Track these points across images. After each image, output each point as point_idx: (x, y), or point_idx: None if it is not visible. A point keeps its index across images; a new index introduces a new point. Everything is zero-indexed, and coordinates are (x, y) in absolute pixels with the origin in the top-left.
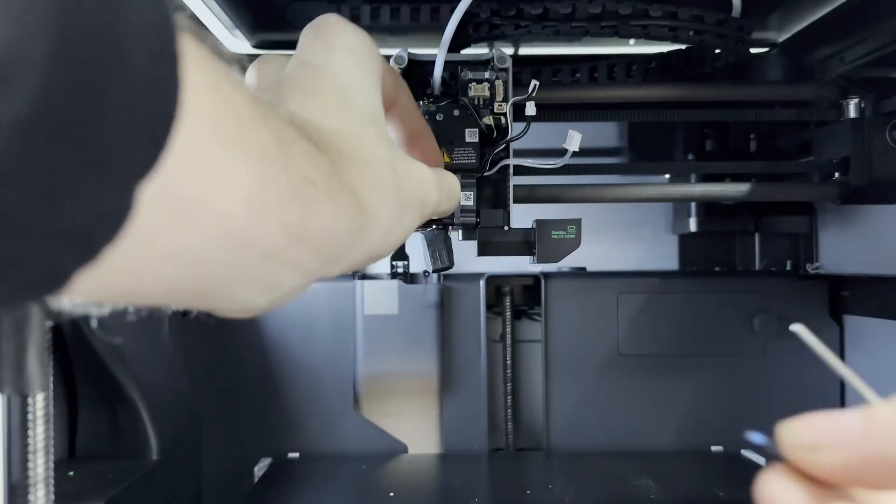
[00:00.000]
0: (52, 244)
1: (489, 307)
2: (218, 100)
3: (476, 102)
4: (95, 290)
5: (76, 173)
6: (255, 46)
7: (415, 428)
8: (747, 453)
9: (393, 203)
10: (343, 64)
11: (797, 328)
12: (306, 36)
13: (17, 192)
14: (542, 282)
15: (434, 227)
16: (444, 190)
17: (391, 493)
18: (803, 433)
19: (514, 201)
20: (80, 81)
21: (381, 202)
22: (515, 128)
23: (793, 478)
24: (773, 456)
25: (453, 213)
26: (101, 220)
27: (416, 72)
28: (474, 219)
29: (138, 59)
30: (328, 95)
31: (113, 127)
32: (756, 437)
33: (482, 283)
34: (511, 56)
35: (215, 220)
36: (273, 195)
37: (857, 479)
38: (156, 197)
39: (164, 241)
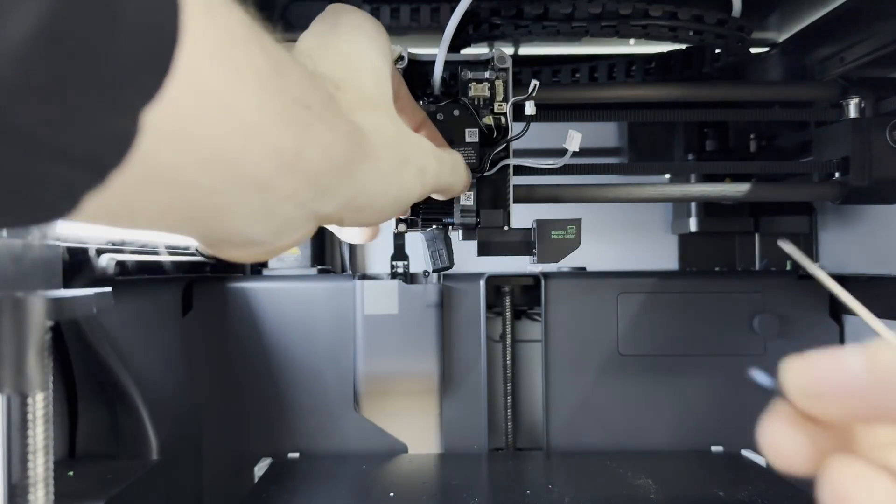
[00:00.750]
0: (64, 165)
1: (489, 307)
2: (212, 22)
3: (476, 102)
4: (98, 212)
5: (86, 94)
6: None
7: (415, 428)
8: (747, 453)
9: (392, 150)
10: (350, 34)
11: (785, 244)
12: (315, 19)
13: (29, 109)
14: (542, 282)
15: (434, 227)
16: (445, 162)
17: (391, 493)
18: (806, 381)
19: (514, 201)
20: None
21: (380, 143)
22: (515, 128)
23: (795, 419)
24: (776, 395)
25: (454, 213)
26: (110, 143)
27: (416, 72)
28: (474, 219)
29: None
30: (332, 55)
31: (121, 50)
32: (760, 376)
33: (482, 283)
34: (511, 56)
35: (208, 145)
36: (266, 119)
37: (858, 420)
38: (156, 120)
39: (160, 165)
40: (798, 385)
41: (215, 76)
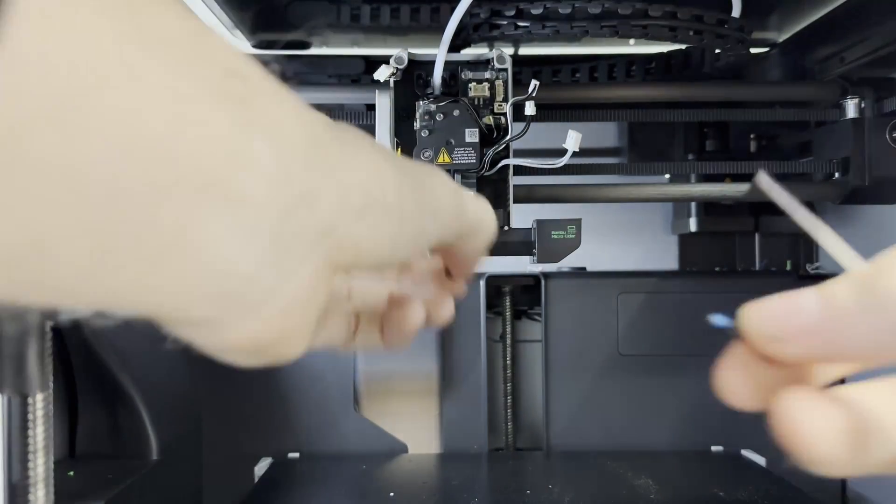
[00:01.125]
0: None
1: (489, 307)
2: None
3: (476, 102)
4: None
5: None
6: (255, 46)
7: (415, 428)
8: (747, 453)
9: (365, 139)
10: None
11: (762, 178)
12: None
13: None
14: (542, 282)
15: None
16: (461, 190)
17: (391, 493)
18: (764, 324)
19: (514, 201)
20: None
21: (345, 128)
22: (515, 128)
23: (750, 359)
24: (734, 336)
25: None
26: None
27: (416, 72)
28: None
29: None
30: None
31: None
32: (719, 319)
33: (482, 283)
34: (511, 56)
35: (115, 127)
36: (191, 90)
37: (817, 360)
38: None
39: (52, 163)
40: (756, 328)
41: (101, 31)
